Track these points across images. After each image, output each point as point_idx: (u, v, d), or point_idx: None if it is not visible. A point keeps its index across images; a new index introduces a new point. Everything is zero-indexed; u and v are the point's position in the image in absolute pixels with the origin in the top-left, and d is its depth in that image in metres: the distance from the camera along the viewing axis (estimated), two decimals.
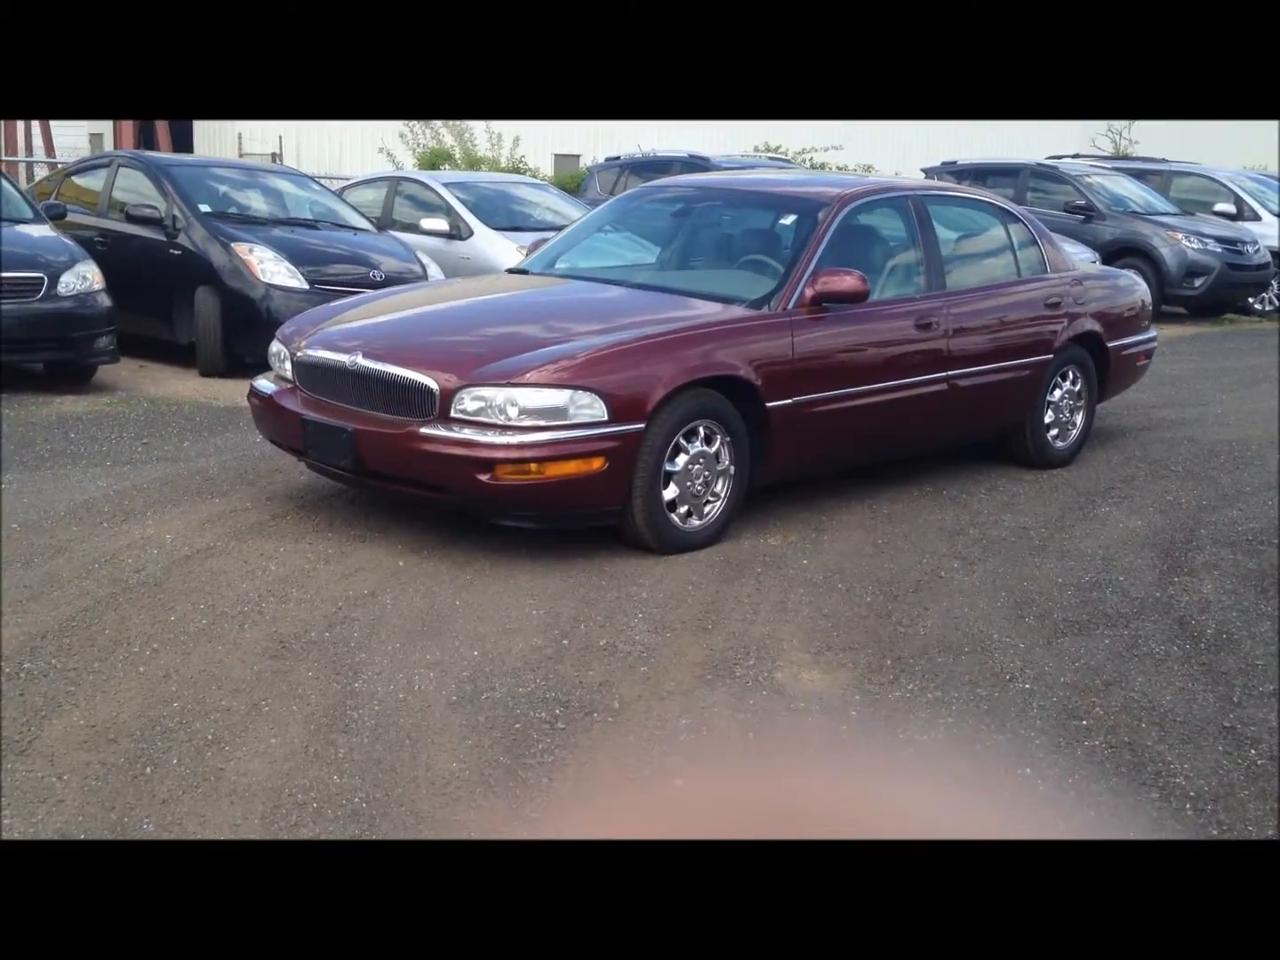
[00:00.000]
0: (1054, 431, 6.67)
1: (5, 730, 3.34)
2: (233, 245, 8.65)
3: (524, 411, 4.67)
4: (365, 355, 5.00)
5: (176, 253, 8.89)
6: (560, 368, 4.76)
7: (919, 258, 6.07)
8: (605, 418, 4.74)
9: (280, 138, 23.27)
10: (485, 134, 16.98)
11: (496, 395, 4.70)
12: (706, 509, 5.12)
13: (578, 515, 4.92)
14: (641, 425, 4.82)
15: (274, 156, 21.61)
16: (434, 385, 4.78)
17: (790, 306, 5.39)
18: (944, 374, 5.94)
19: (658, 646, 4.12)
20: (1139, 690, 3.86)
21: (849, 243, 5.82)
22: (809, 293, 5.41)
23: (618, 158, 14.95)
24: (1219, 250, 13.64)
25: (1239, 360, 11.26)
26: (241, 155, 22.13)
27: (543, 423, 4.68)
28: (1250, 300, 14.64)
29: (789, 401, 5.28)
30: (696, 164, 13.35)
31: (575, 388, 4.71)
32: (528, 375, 4.72)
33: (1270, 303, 14.82)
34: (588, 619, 4.33)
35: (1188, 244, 13.60)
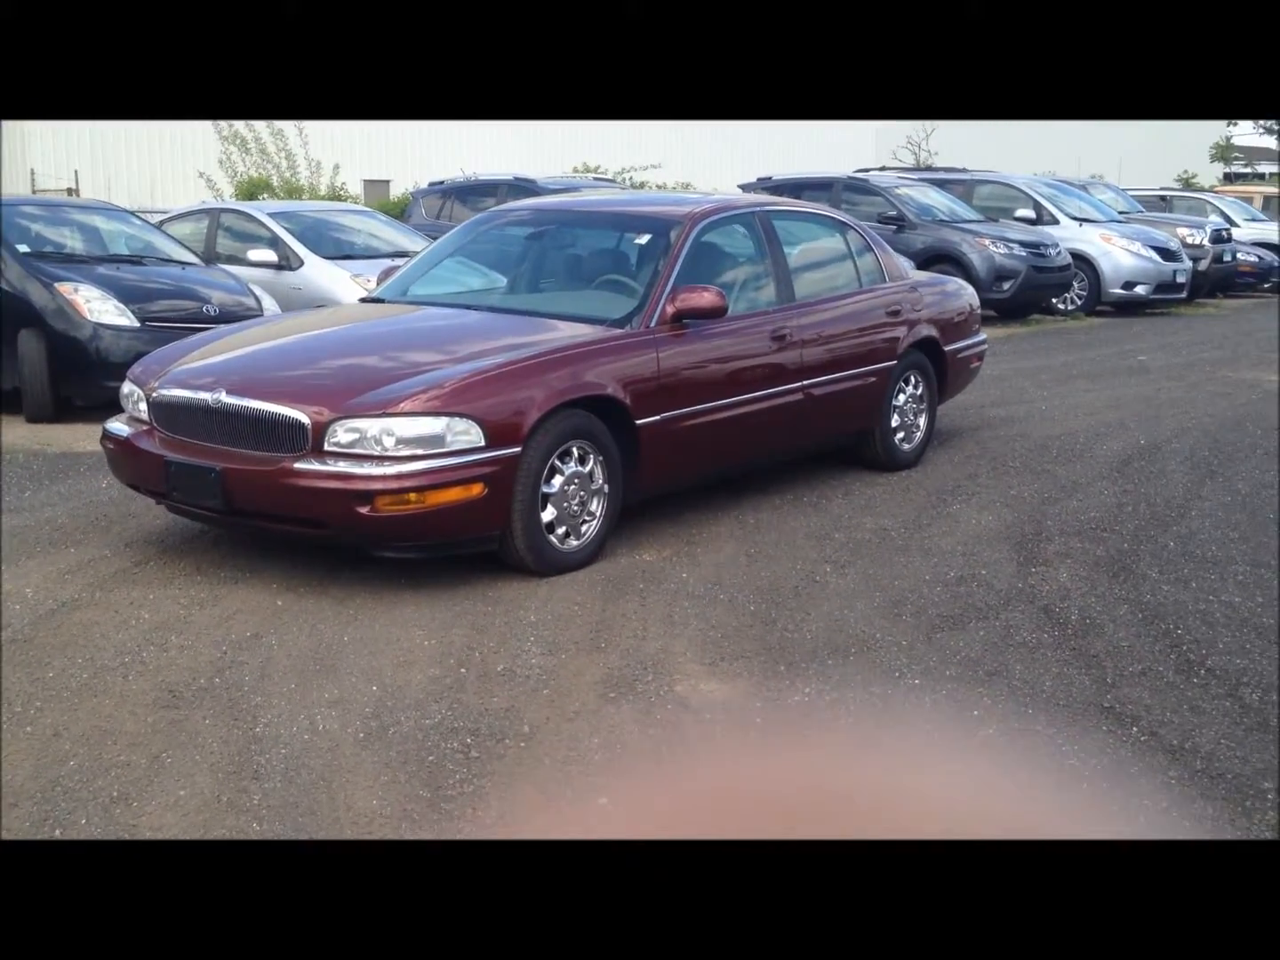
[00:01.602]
0: (900, 434, 6.92)
1: None
2: (56, 285, 8.32)
3: (401, 441, 4.63)
4: (229, 392, 4.89)
5: None
6: (434, 395, 4.74)
7: (768, 272, 6.23)
8: (482, 443, 4.74)
9: (76, 172, 22.41)
10: (305, 162, 16.68)
11: (371, 426, 4.65)
12: (584, 528, 5.16)
13: (459, 542, 4.90)
14: (518, 449, 4.83)
15: (70, 191, 20.78)
16: (304, 419, 4.71)
17: (652, 324, 5.48)
18: (799, 384, 6.11)
19: (555, 668, 4.14)
20: (1020, 679, 4.05)
21: (702, 259, 5.94)
22: (669, 310, 5.51)
23: (441, 182, 14.86)
24: (1024, 254, 14.31)
25: (1051, 358, 11.85)
26: (35, 191, 21.21)
27: (420, 451, 4.65)
28: (1054, 300, 15.39)
29: (657, 418, 5.37)
30: (523, 186, 13.39)
31: (451, 414, 4.70)
32: (402, 404, 4.69)
33: (1072, 302, 15.61)
34: (480, 645, 4.32)
35: (995, 249, 14.23)
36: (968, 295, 7.75)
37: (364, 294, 9.72)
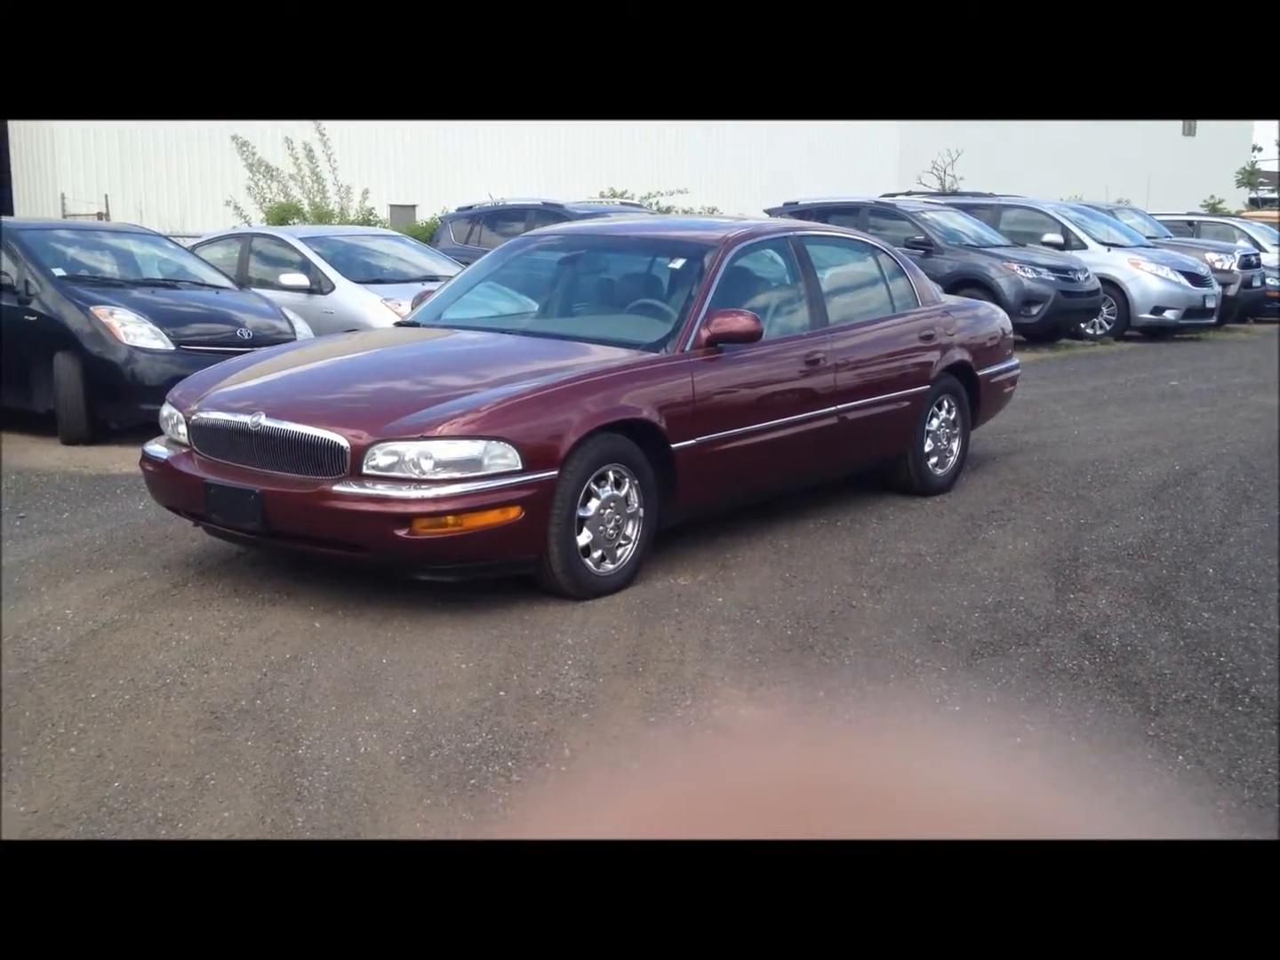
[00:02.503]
0: (934, 459, 6.91)
1: None
2: (92, 309, 8.40)
3: (439, 464, 4.65)
4: (268, 415, 4.92)
5: (31, 319, 8.58)
6: (472, 419, 4.75)
7: (802, 296, 6.24)
8: (519, 466, 4.75)
9: (106, 196, 22.62)
10: (334, 187, 16.81)
11: (409, 449, 4.67)
12: (619, 552, 5.16)
13: (495, 566, 4.91)
14: (555, 472, 4.84)
15: (100, 215, 20.99)
16: (344, 442, 4.73)
17: (687, 349, 5.49)
18: (833, 408, 6.11)
19: (593, 692, 4.14)
20: (1063, 705, 4.03)
21: (736, 284, 5.96)
22: (704, 334, 5.52)
23: (470, 207, 14.96)
24: (1052, 279, 14.29)
25: (1081, 383, 11.82)
26: (66, 215, 21.44)
27: (458, 475, 4.67)
28: (1082, 325, 15.35)
29: (692, 442, 5.37)
30: (551, 211, 13.46)
31: (489, 438, 4.71)
32: (440, 428, 4.70)
33: (1101, 327, 15.57)
34: (518, 669, 4.32)
35: (1023, 274, 14.21)
36: (1000, 320, 7.74)
37: (395, 318, 9.83)
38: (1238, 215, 26.69)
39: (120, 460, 7.78)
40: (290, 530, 4.85)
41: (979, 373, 7.16)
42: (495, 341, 5.84)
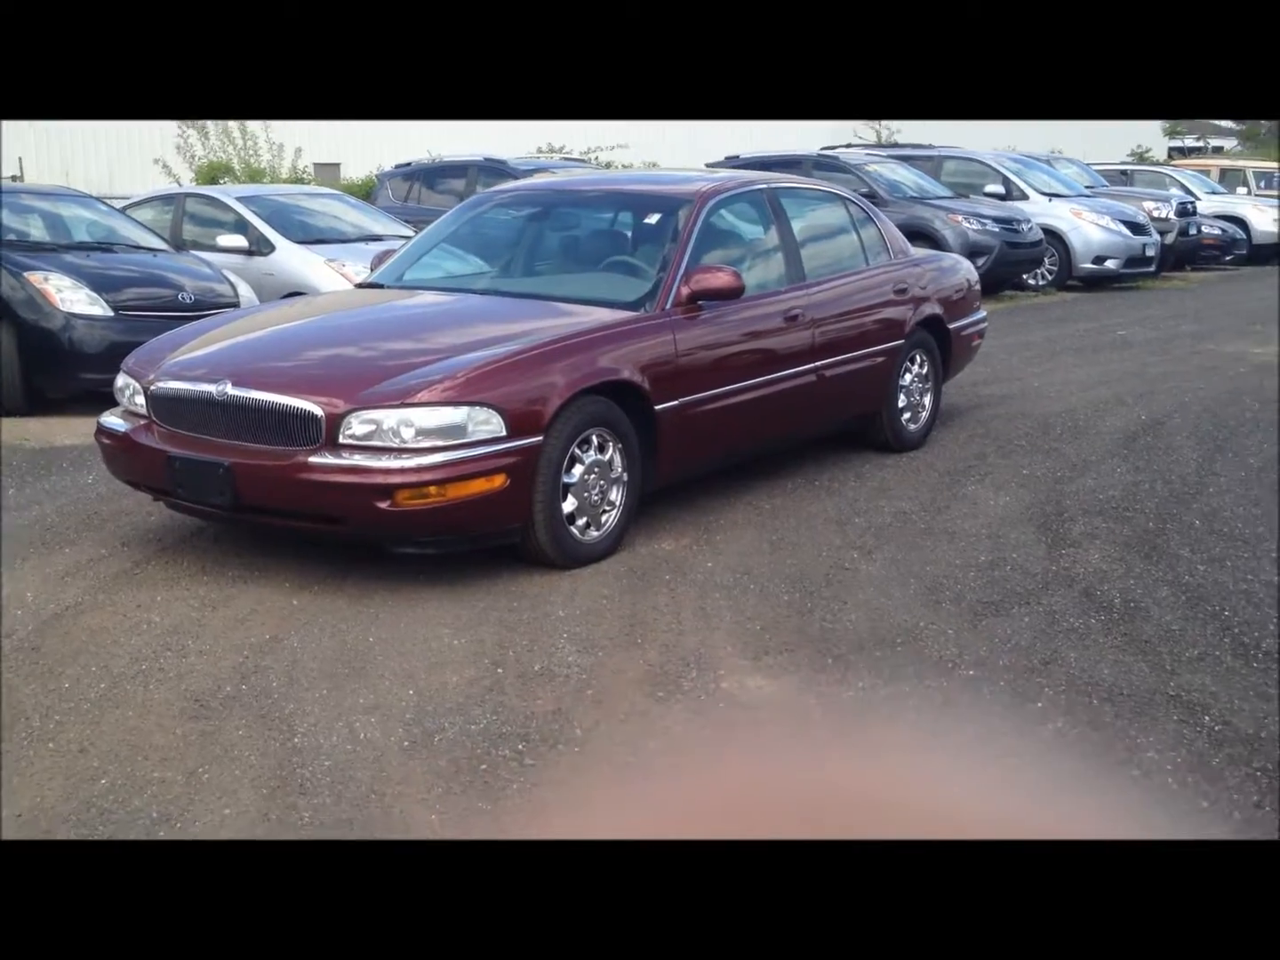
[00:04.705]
0: (907, 415, 6.80)
1: None
2: (25, 274, 8.02)
3: (420, 432, 4.44)
4: (235, 384, 4.67)
5: None
6: (453, 384, 4.54)
7: (779, 250, 6.08)
8: (504, 433, 4.56)
9: (20, 159, 21.77)
10: (266, 145, 16.29)
11: (388, 417, 4.46)
12: (604, 519, 4.99)
13: (480, 536, 4.71)
14: (540, 438, 4.65)
15: (14, 179, 20.17)
16: (318, 411, 4.50)
17: (668, 307, 5.31)
18: (812, 365, 5.96)
19: (594, 667, 3.98)
20: (1077, 666, 3.93)
21: (713, 238, 5.78)
22: (685, 291, 5.34)
23: (408, 163, 14.55)
24: (997, 230, 14.23)
25: (1031, 334, 11.80)
26: None
27: (440, 443, 4.46)
28: (1025, 276, 15.34)
29: (675, 403, 5.20)
30: (493, 168, 13.14)
31: (472, 403, 4.51)
32: (420, 394, 4.49)
33: (1043, 278, 15.57)
34: (513, 644, 4.15)
35: (968, 225, 14.13)
36: (964, 270, 7.61)
37: (338, 279, 9.51)
38: (1169, 164, 26.88)
39: (63, 432, 7.46)
40: (262, 504, 4.62)
41: (950, 326, 7.05)
42: (465, 302, 5.61)
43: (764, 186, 6.26)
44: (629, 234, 6.01)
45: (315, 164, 23.63)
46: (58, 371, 8.03)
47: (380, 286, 5.98)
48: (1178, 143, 42.72)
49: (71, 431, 7.43)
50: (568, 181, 7.04)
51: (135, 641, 4.13)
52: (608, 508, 5.00)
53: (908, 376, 6.78)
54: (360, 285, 6.28)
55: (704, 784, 0.70)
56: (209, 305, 8.31)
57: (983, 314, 7.72)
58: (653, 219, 5.79)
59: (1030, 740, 3.42)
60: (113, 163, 21.41)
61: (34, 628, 4.24)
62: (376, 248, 10.22)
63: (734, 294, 5.39)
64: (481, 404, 4.51)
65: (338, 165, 24.23)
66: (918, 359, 6.85)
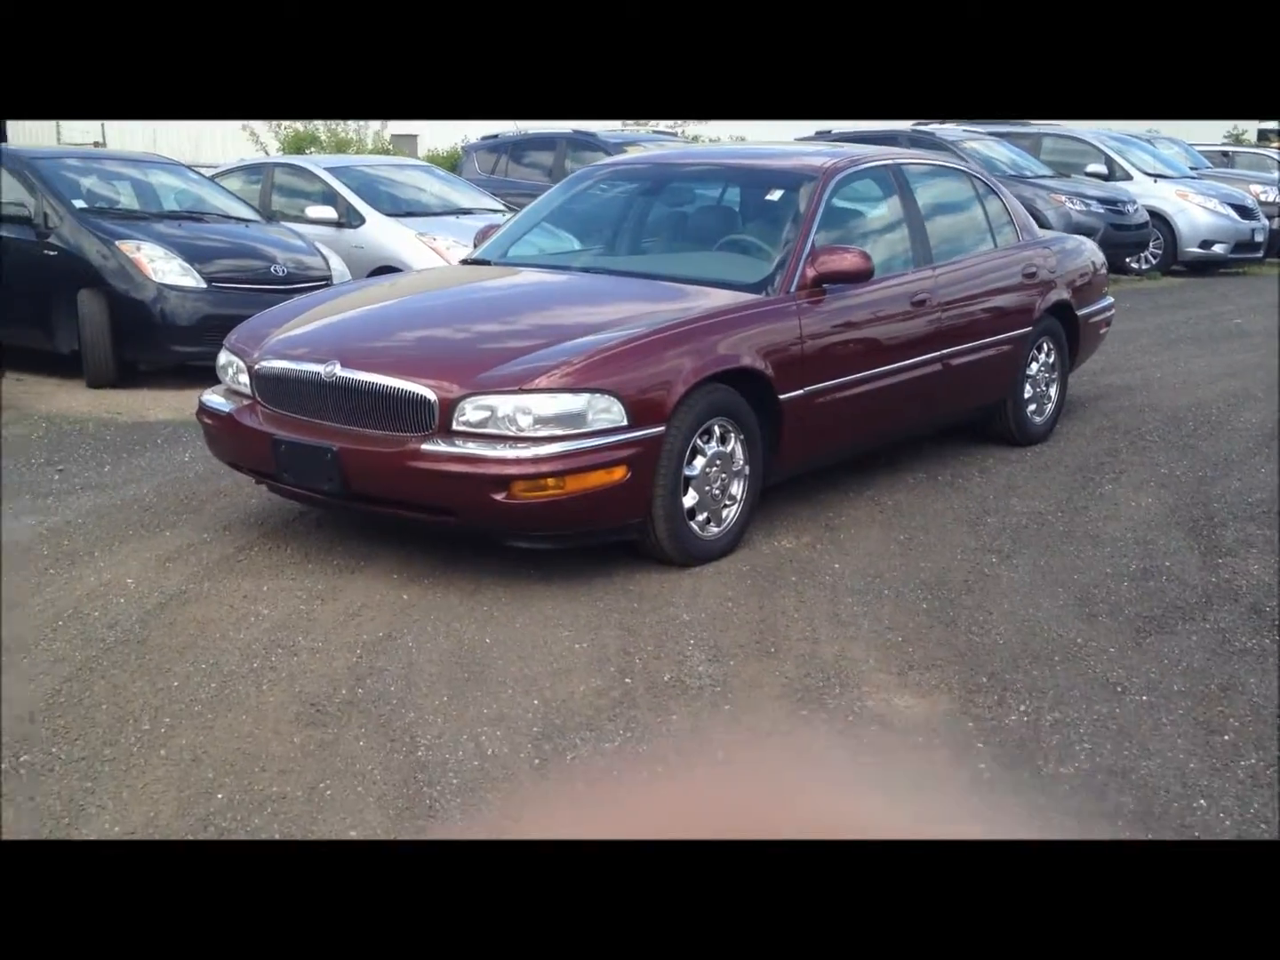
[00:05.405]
0: (1032, 406, 6.45)
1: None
2: (116, 243, 7.86)
3: (538, 420, 4.18)
4: (344, 364, 4.44)
5: (51, 253, 8.05)
6: (571, 369, 4.27)
7: (906, 230, 5.74)
8: (625, 422, 4.29)
9: (102, 125, 21.78)
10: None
11: (504, 404, 4.20)
12: (724, 514, 4.72)
13: (598, 531, 4.45)
14: (662, 428, 4.38)
15: (96, 145, 20.16)
16: (431, 395, 4.26)
17: (792, 289, 5.00)
18: (938, 353, 5.63)
19: (726, 678, 3.71)
20: (1259, 694, 3.60)
21: (838, 217, 5.46)
22: (810, 274, 5.02)
23: (495, 136, 14.29)
24: (1102, 211, 13.71)
25: (1143, 321, 11.34)
26: (60, 144, 20.62)
27: (559, 432, 4.20)
28: (1128, 260, 14.81)
29: (800, 392, 4.91)
30: (583, 141, 12.84)
31: (592, 390, 4.24)
32: (538, 380, 4.23)
33: (1147, 261, 15.02)
34: (638, 650, 3.89)
35: (1071, 206, 13.64)
36: (1089, 253, 7.18)
37: (429, 253, 9.29)
38: (1270, 145, 25.98)
39: (154, 405, 7.31)
40: (371, 492, 4.39)
41: (1079, 312, 6.67)
42: (575, 281, 5.35)
43: (889, 162, 5.92)
44: (747, 211, 5.69)
45: (394, 135, 23.50)
46: (149, 344, 7.88)
47: (486, 263, 5.72)
48: (1272, 125, 41.38)
49: (163, 405, 7.28)
50: (683, 154, 6.74)
51: (244, 636, 3.92)
52: (728, 502, 4.73)
53: (1034, 366, 6.42)
54: (465, 261, 6.02)
55: (872, 822, 0.60)
56: (302, 279, 8.13)
57: (1109, 300, 7.32)
58: (774, 195, 5.48)
59: (1217, 778, 3.11)
60: (198, 131, 21.35)
61: (138, 618, 4.05)
62: (466, 221, 10.01)
63: (863, 277, 5.07)
64: (601, 391, 4.24)
65: (415, 137, 24.05)
66: (1045, 347, 6.49)
